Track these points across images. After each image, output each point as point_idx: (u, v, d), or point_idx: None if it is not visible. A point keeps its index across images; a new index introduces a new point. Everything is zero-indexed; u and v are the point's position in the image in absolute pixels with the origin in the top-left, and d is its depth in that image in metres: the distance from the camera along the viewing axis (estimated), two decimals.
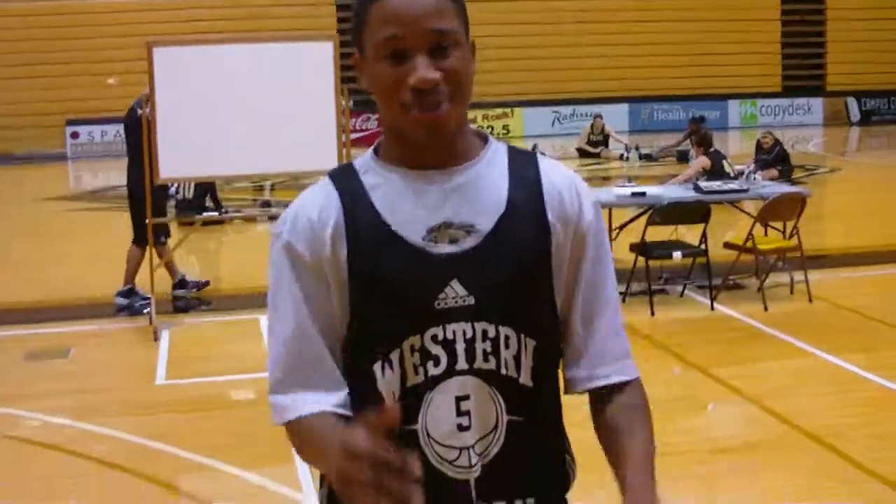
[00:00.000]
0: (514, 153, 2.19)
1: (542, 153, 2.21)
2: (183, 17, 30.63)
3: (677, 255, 10.09)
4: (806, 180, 20.13)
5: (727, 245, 10.59)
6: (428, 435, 2.07)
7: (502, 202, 2.10)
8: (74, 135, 31.22)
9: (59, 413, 7.49)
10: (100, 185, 23.93)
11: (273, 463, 6.20)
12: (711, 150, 15.40)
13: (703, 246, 10.07)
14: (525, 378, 2.10)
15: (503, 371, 2.08)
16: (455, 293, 2.04)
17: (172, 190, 17.07)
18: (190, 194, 15.60)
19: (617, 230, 10.41)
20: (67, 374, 8.53)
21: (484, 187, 2.10)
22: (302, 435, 2.10)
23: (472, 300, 2.05)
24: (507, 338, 2.07)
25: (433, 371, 2.05)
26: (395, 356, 2.06)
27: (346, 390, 2.11)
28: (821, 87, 36.56)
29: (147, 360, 8.69)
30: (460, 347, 2.05)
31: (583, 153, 25.88)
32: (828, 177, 21.73)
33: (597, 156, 25.70)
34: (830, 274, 11.47)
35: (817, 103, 36.00)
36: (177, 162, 9.42)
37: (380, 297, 2.05)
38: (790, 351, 8.64)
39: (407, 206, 2.07)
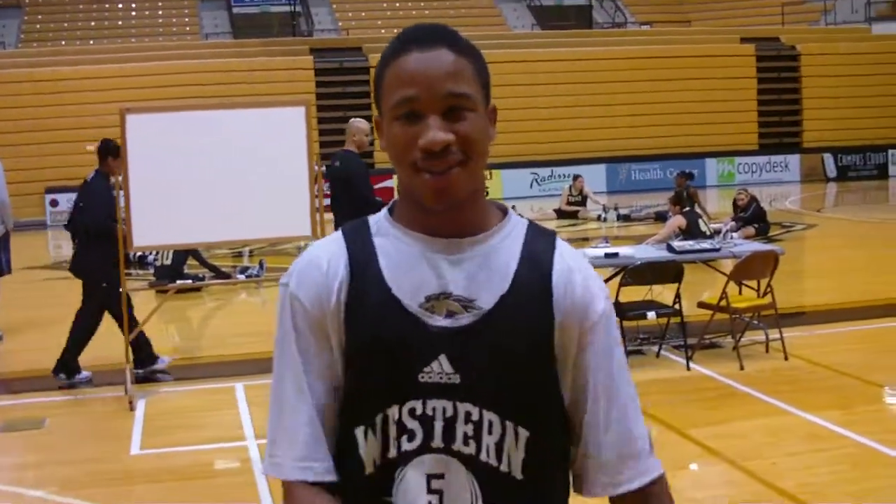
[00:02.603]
0: (533, 232, 2.13)
1: (559, 237, 2.16)
2: (160, 83, 30.74)
3: (651, 314, 10.10)
4: (783, 237, 20.23)
5: (701, 304, 10.60)
6: None
7: (507, 281, 2.03)
8: (53, 202, 31.17)
9: (34, 485, 7.43)
10: None
11: None
12: (686, 208, 15.48)
13: (676, 306, 10.10)
14: (509, 467, 2.02)
15: (482, 457, 2.01)
16: (441, 369, 1.99)
17: (151, 257, 17.10)
18: (168, 260, 15.57)
19: None
20: (42, 445, 8.47)
21: (492, 263, 2.05)
22: (287, 499, 2.08)
23: (457, 378, 1.99)
24: (490, 423, 2.00)
25: (406, 446, 2.00)
26: (378, 423, 2.01)
27: (329, 455, 2.07)
28: (797, 144, 36.80)
29: (122, 430, 8.63)
30: (438, 425, 1.99)
31: (561, 214, 25.92)
32: (805, 233, 21.82)
33: (574, 216, 25.78)
34: (806, 331, 11.50)
35: (794, 160, 36.20)
36: (149, 229, 9.40)
37: (369, 359, 2.01)
38: (766, 409, 8.64)
39: (411, 271, 2.03)
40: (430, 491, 2.00)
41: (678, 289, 10.10)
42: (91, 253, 10.07)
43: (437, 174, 1.97)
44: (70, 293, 15.82)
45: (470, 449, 2.00)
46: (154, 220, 9.39)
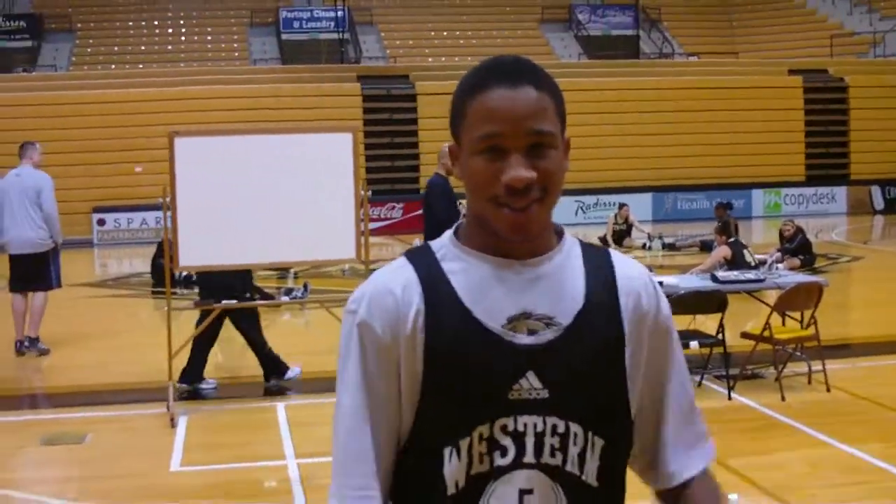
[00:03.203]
0: (586, 248, 2.19)
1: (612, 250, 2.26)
2: (208, 107, 31.04)
3: (694, 344, 10.08)
4: (828, 269, 20.10)
5: (745, 335, 10.57)
6: None
7: (580, 297, 2.09)
8: (101, 222, 31.47)
9: (75, 499, 7.52)
10: (124, 271, 24.10)
11: None
12: (732, 239, 15.44)
13: (720, 336, 10.07)
14: (587, 476, 2.08)
15: (568, 468, 2.06)
16: (530, 385, 2.03)
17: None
18: None
19: None
20: (84, 460, 8.56)
21: (563, 280, 2.11)
22: None
23: (546, 394, 2.03)
24: (575, 435, 2.06)
25: (499, 461, 2.03)
26: (464, 444, 2.03)
27: (381, 486, 2.09)
28: (844, 176, 36.62)
29: (164, 446, 8.70)
30: (530, 441, 2.03)
31: (606, 242, 25.86)
32: (850, 265, 21.71)
33: (620, 244, 25.74)
34: (849, 364, 11.44)
35: (841, 192, 36.02)
36: (196, 249, 9.51)
37: (455, 381, 2.03)
38: (807, 441, 8.61)
39: (488, 293, 2.06)
40: None
41: (721, 319, 10.08)
42: None
43: (518, 210, 2.02)
44: (116, 311, 16.00)
45: (556, 461, 2.05)
46: (201, 240, 9.49)
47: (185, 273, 17.38)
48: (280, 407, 9.87)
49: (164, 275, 15.94)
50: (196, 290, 16.65)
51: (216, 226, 9.54)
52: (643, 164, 34.45)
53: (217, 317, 10.38)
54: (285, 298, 16.95)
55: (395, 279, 2.11)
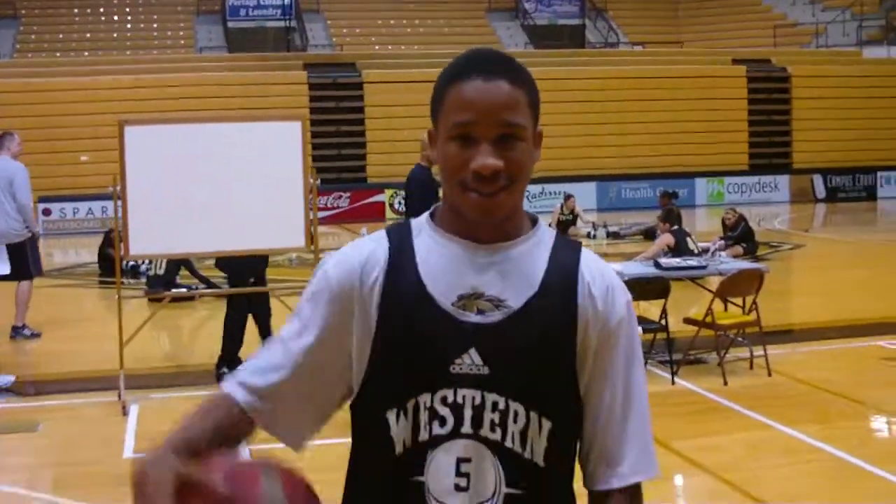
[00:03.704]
0: (560, 242, 2.30)
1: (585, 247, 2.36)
2: (158, 95, 30.88)
3: (638, 330, 10.25)
4: (771, 257, 20.41)
5: (687, 320, 10.78)
6: (428, 490, 2.16)
7: (535, 284, 2.20)
8: (46, 212, 31.26)
9: (28, 486, 7.58)
10: (70, 261, 24.00)
11: None
12: (675, 227, 15.67)
13: (663, 321, 10.27)
14: (531, 454, 2.17)
15: (507, 443, 2.15)
16: (471, 361, 2.14)
17: (143, 266, 17.26)
18: (161, 270, 15.72)
19: None
20: (37, 449, 8.62)
21: (522, 267, 2.21)
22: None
23: (486, 370, 2.14)
24: (515, 413, 2.15)
25: (438, 430, 2.15)
26: (409, 407, 2.16)
27: (265, 397, 2.24)
28: (787, 165, 37.03)
29: (115, 434, 8.76)
30: (468, 413, 2.14)
31: None
32: (792, 253, 22.05)
33: (564, 234, 25.92)
34: (790, 349, 11.69)
35: (783, 181, 36.44)
36: (146, 238, 9.57)
37: (402, 351, 2.17)
38: (748, 423, 8.82)
39: (446, 272, 2.19)
40: (458, 473, 2.15)
41: (664, 305, 10.28)
42: None
43: (485, 195, 2.14)
44: (63, 301, 15.97)
45: (496, 435, 2.15)
46: (150, 229, 9.54)
47: (132, 263, 17.42)
48: None
49: (111, 264, 16.03)
50: (143, 280, 16.76)
51: (165, 214, 9.60)
52: (588, 153, 34.69)
53: (244, 297, 10.69)
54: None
55: (367, 246, 2.28)
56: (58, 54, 37.74)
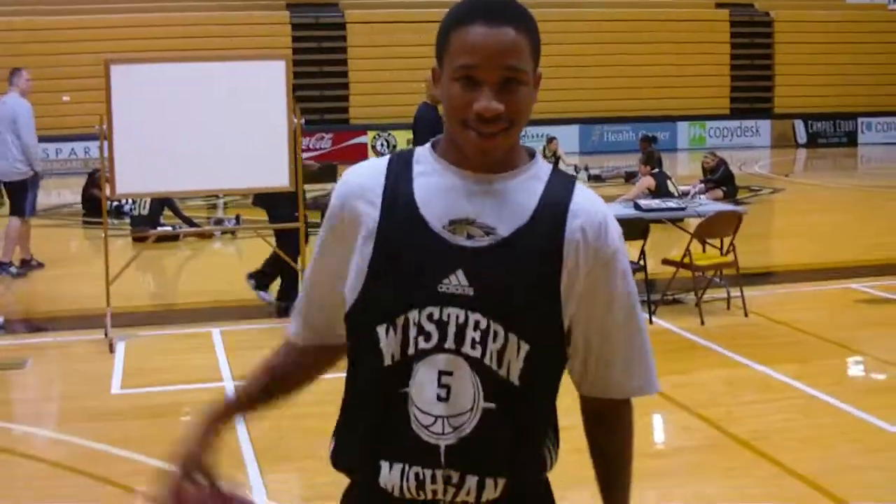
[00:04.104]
0: (556, 176, 2.41)
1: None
2: (140, 35, 30.76)
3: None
4: (750, 200, 20.59)
5: (665, 261, 10.93)
6: (412, 400, 2.30)
7: (526, 215, 2.32)
8: None
9: (14, 420, 7.73)
10: (53, 202, 24.00)
11: (226, 469, 6.43)
12: (656, 170, 15.79)
13: (641, 262, 10.42)
14: (507, 373, 2.29)
15: (486, 361, 2.28)
16: (458, 281, 2.27)
17: (127, 207, 17.33)
18: (145, 210, 15.81)
19: None
20: (24, 385, 8.77)
21: (514, 198, 2.33)
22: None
23: (471, 291, 2.27)
24: (495, 332, 2.27)
25: (423, 345, 2.28)
26: (399, 323, 2.29)
27: (302, 323, 2.59)
28: (768, 110, 37.16)
29: (103, 371, 8.89)
30: (451, 330, 2.27)
31: None
32: (772, 197, 22.22)
33: None
34: (767, 290, 11.88)
35: (765, 125, 36.60)
36: (132, 178, 9.65)
37: (394, 269, 2.31)
38: (724, 362, 9.01)
39: (441, 197, 2.33)
40: (440, 385, 2.29)
41: (643, 246, 10.43)
42: None
43: (484, 136, 2.26)
44: (48, 241, 16.04)
45: (476, 352, 2.28)
46: (136, 168, 9.63)
47: (116, 203, 17.48)
48: (216, 332, 10.07)
49: (95, 205, 16.11)
50: (127, 220, 16.85)
51: (151, 154, 9.68)
52: (570, 95, 34.65)
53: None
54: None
55: (370, 168, 2.45)
56: None
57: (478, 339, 2.28)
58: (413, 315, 2.30)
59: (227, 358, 9.17)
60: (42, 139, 29.83)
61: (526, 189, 2.37)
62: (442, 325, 2.29)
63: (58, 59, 30.61)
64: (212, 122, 9.72)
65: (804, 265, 13.69)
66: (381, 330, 2.32)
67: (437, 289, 2.29)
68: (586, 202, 2.39)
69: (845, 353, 9.34)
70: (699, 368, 8.87)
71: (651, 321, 10.25)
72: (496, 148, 2.30)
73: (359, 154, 31.96)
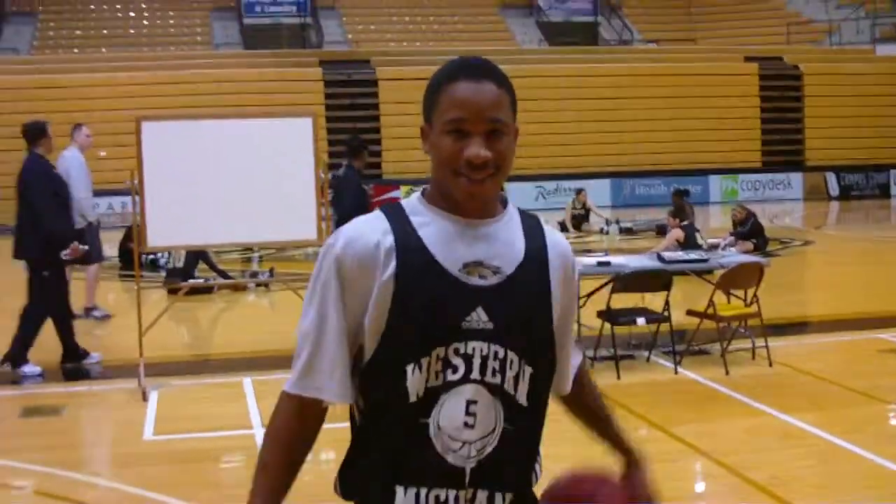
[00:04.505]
0: (524, 215, 2.74)
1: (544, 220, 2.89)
2: (171, 92, 31.26)
3: (641, 320, 10.56)
4: (780, 252, 20.69)
5: (690, 312, 11.05)
6: (439, 427, 2.53)
7: (521, 253, 2.63)
8: None
9: (51, 465, 7.91)
10: None
11: None
12: (685, 222, 15.94)
13: (665, 313, 10.55)
14: (520, 397, 2.59)
15: (505, 387, 2.56)
16: (479, 318, 2.54)
17: (162, 260, 17.62)
18: (180, 263, 16.09)
19: (584, 298, 10.89)
20: (60, 430, 8.96)
21: (507, 239, 2.63)
22: (284, 411, 2.68)
23: (490, 325, 2.54)
24: (511, 361, 2.56)
25: (451, 377, 2.53)
26: (424, 361, 2.52)
27: (342, 384, 2.60)
28: (800, 163, 37.24)
29: (136, 418, 9.08)
30: (476, 362, 2.54)
31: (564, 227, 26.27)
32: (803, 249, 22.30)
33: (578, 229, 26.19)
34: (794, 341, 11.95)
35: (797, 178, 36.65)
36: (163, 231, 9.90)
37: (419, 312, 2.51)
38: (746, 410, 9.10)
39: (449, 243, 2.57)
40: (467, 413, 2.54)
41: (667, 297, 10.55)
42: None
43: (474, 181, 2.54)
44: (81, 293, 16.30)
45: (496, 380, 2.56)
46: (167, 222, 9.87)
47: (152, 256, 17.79)
48: (247, 381, 10.27)
49: (131, 258, 16.37)
50: (162, 273, 17.11)
51: (182, 208, 9.92)
52: (602, 150, 34.94)
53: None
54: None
55: (371, 227, 2.62)
56: (75, 50, 38.14)
57: (497, 367, 2.56)
58: (440, 351, 2.54)
59: (257, 406, 9.35)
60: None
61: (510, 230, 2.67)
62: (468, 359, 2.55)
63: (94, 115, 30.92)
64: (242, 176, 9.95)
65: (831, 316, 13.79)
66: (409, 368, 2.53)
67: (461, 326, 2.54)
68: (557, 240, 2.75)
69: (867, 401, 9.40)
70: (721, 417, 8.97)
71: (676, 371, 10.36)
72: (485, 192, 2.57)
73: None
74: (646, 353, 11.07)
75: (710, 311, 10.58)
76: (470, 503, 2.57)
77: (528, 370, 2.61)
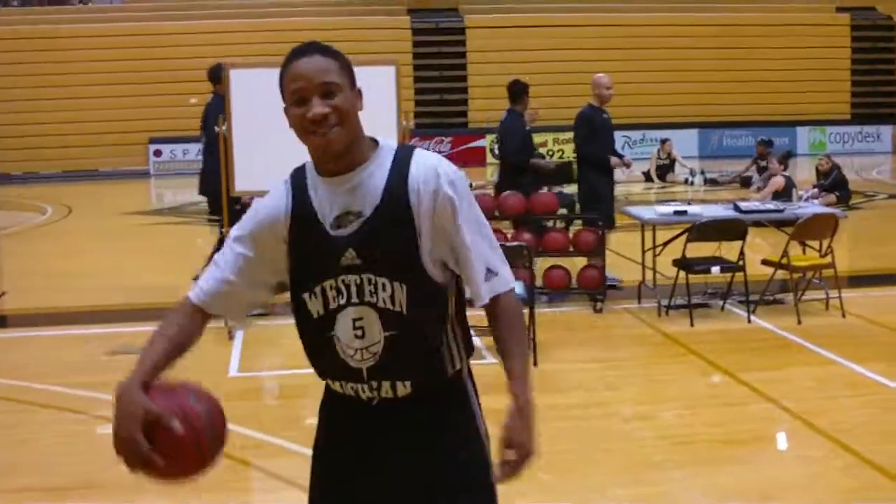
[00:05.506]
0: (399, 151, 3.21)
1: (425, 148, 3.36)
2: (259, 39, 31.55)
3: (716, 269, 10.68)
4: (863, 206, 20.58)
5: (765, 262, 11.16)
6: (339, 339, 3.18)
7: (379, 194, 3.11)
8: (157, 153, 32.28)
9: None
10: (180, 201, 24.79)
11: None
12: (786, 171, 15.97)
13: (740, 262, 10.66)
14: (399, 307, 3.12)
15: (381, 304, 3.13)
16: (351, 256, 3.11)
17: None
18: None
19: (661, 247, 11.04)
20: None
21: (370, 184, 3.13)
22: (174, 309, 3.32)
23: (359, 261, 3.11)
24: (384, 284, 3.11)
25: (339, 301, 3.16)
26: (318, 290, 3.17)
27: (216, 299, 3.26)
28: (890, 115, 36.73)
29: (221, 357, 9.47)
30: (353, 290, 3.14)
31: (648, 177, 26.30)
32: (887, 202, 22.10)
33: (663, 179, 26.19)
34: (868, 293, 11.98)
35: (886, 131, 36.21)
36: (251, 176, 10.19)
37: (310, 256, 3.17)
38: (816, 360, 9.22)
39: (325, 200, 3.15)
40: (355, 328, 3.16)
41: (742, 246, 10.66)
42: None
43: (321, 135, 3.07)
44: (172, 237, 16.72)
45: (373, 300, 3.14)
46: (254, 166, 10.16)
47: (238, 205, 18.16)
48: None
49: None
50: None
51: (268, 153, 10.17)
52: (690, 100, 34.75)
53: None
54: None
55: (277, 191, 3.27)
56: None
57: (373, 290, 3.13)
58: (328, 283, 3.16)
59: None
60: (170, 140, 31.08)
61: (375, 175, 3.14)
62: (347, 287, 3.15)
63: (183, 62, 31.41)
64: None
65: None
66: (306, 296, 3.20)
67: (340, 264, 3.13)
68: (421, 170, 3.13)
69: None
70: (791, 365, 9.08)
71: (749, 320, 10.49)
72: (334, 144, 3.09)
73: (478, 157, 32.35)
74: (720, 302, 11.19)
75: (784, 261, 10.67)
76: (377, 391, 3.21)
77: (403, 287, 3.10)
